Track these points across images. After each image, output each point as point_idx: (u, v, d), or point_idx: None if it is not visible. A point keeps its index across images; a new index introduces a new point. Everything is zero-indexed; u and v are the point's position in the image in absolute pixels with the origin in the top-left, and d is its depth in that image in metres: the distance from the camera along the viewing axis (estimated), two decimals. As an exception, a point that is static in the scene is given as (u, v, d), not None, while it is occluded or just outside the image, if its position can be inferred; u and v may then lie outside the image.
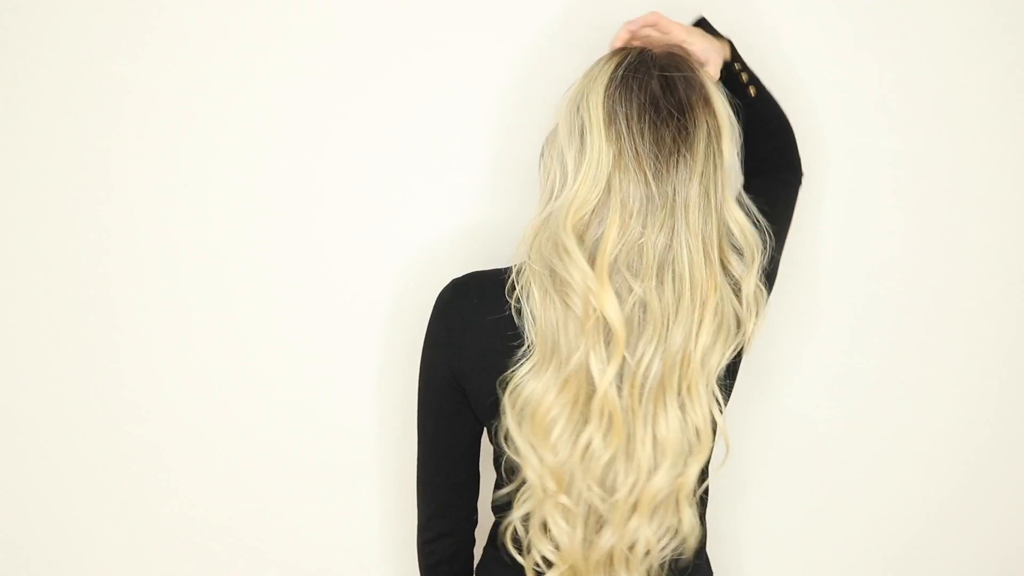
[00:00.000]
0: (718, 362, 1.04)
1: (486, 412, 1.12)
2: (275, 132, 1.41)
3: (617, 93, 1.01)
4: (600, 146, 1.00)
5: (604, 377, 1.01)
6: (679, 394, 1.03)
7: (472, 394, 1.12)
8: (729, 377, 1.13)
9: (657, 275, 1.00)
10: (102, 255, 1.44)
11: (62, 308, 1.46)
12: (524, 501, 1.09)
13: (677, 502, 1.07)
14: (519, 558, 1.11)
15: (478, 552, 1.28)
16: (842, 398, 1.53)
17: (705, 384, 1.04)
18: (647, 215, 0.99)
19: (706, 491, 1.20)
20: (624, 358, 1.01)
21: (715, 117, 1.02)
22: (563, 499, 1.05)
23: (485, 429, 1.16)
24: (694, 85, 1.03)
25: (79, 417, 1.49)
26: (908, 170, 1.46)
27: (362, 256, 1.44)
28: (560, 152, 1.05)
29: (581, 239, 1.00)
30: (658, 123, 0.99)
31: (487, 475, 1.21)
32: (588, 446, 1.03)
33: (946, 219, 1.48)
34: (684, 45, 1.13)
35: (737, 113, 1.07)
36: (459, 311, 1.10)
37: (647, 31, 1.14)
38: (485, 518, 1.25)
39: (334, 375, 1.48)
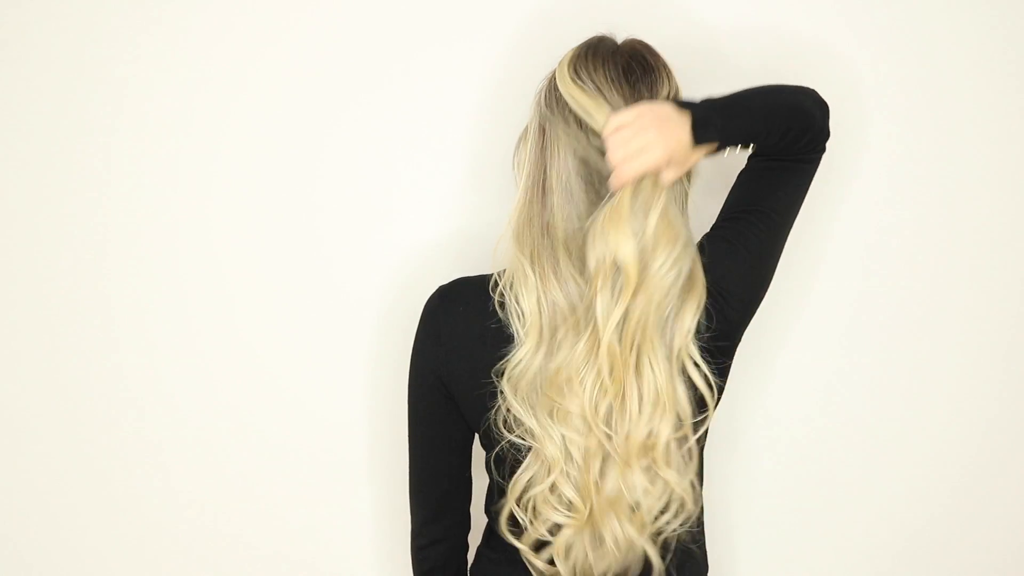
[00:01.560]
0: (688, 321, 1.05)
1: (477, 417, 1.13)
2: (269, 135, 1.41)
3: (582, 66, 1.06)
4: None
5: (610, 321, 1.02)
6: (656, 349, 1.04)
7: (462, 400, 1.12)
8: (723, 356, 1.12)
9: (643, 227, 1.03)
10: (100, 253, 1.45)
11: (60, 306, 1.46)
12: (527, 477, 1.09)
13: (655, 460, 1.07)
14: (516, 542, 1.11)
15: (471, 556, 1.28)
16: (838, 397, 1.52)
17: (669, 345, 1.05)
18: None
19: (701, 477, 1.21)
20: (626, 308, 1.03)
21: (674, 81, 1.09)
22: (577, 438, 1.06)
23: (477, 435, 1.17)
24: (654, 54, 1.10)
25: (76, 414, 1.50)
26: (905, 168, 1.45)
27: (356, 257, 1.45)
28: (543, 135, 1.08)
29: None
30: (631, 83, 1.05)
31: (480, 480, 1.22)
32: (595, 391, 1.04)
33: (943, 217, 1.46)
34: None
35: None
36: (446, 318, 1.11)
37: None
38: (479, 520, 1.26)
39: (329, 374, 1.49)
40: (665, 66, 1.10)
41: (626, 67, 1.06)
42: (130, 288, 1.46)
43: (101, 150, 1.42)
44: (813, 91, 1.16)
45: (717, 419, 1.22)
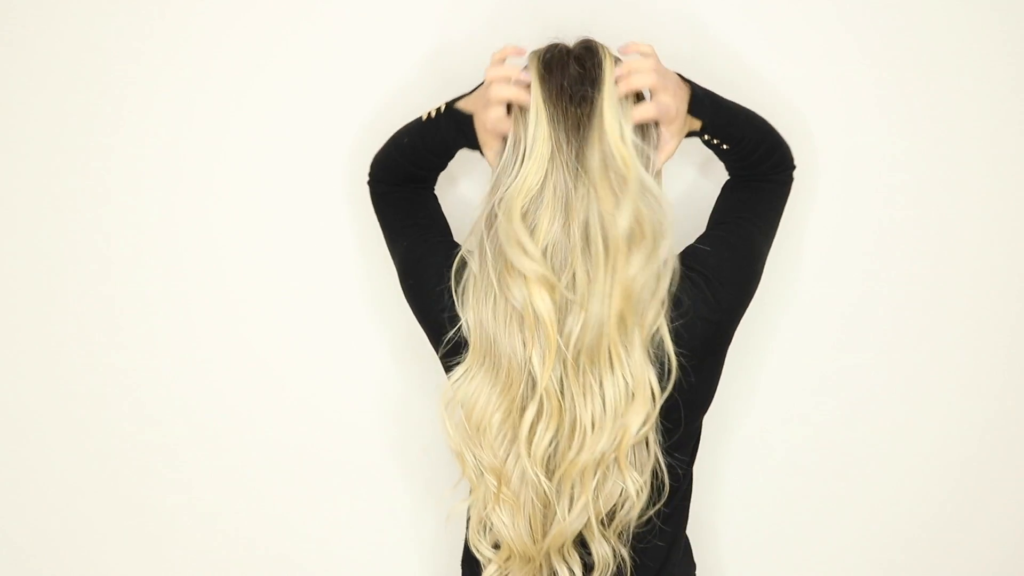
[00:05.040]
0: (650, 311, 1.08)
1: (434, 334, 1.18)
2: (273, 135, 1.42)
3: (544, 89, 1.08)
4: (542, 140, 1.06)
5: (544, 371, 1.06)
6: (610, 356, 1.07)
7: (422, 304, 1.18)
8: (717, 351, 1.16)
9: (582, 248, 1.05)
10: (104, 255, 1.46)
11: (65, 308, 1.48)
12: (472, 503, 1.17)
13: (619, 464, 1.11)
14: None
15: (459, 542, 1.31)
16: (833, 395, 1.53)
17: (639, 339, 1.07)
18: (573, 192, 1.06)
19: (690, 482, 1.25)
20: (557, 343, 1.07)
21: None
22: (505, 492, 1.12)
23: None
24: (596, 54, 1.10)
25: (83, 417, 1.51)
26: (901, 167, 1.45)
27: (359, 255, 1.45)
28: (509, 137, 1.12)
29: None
30: (574, 108, 1.07)
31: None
32: (531, 433, 1.09)
33: (940, 217, 1.47)
34: (652, 94, 1.13)
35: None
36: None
37: (635, 56, 1.14)
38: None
39: (337, 372, 1.50)
40: (605, 60, 1.09)
41: (576, 77, 1.08)
42: (136, 289, 1.47)
43: (104, 150, 1.43)
44: None
45: (709, 419, 1.23)
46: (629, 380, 1.07)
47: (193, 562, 1.57)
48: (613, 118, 1.06)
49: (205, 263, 1.47)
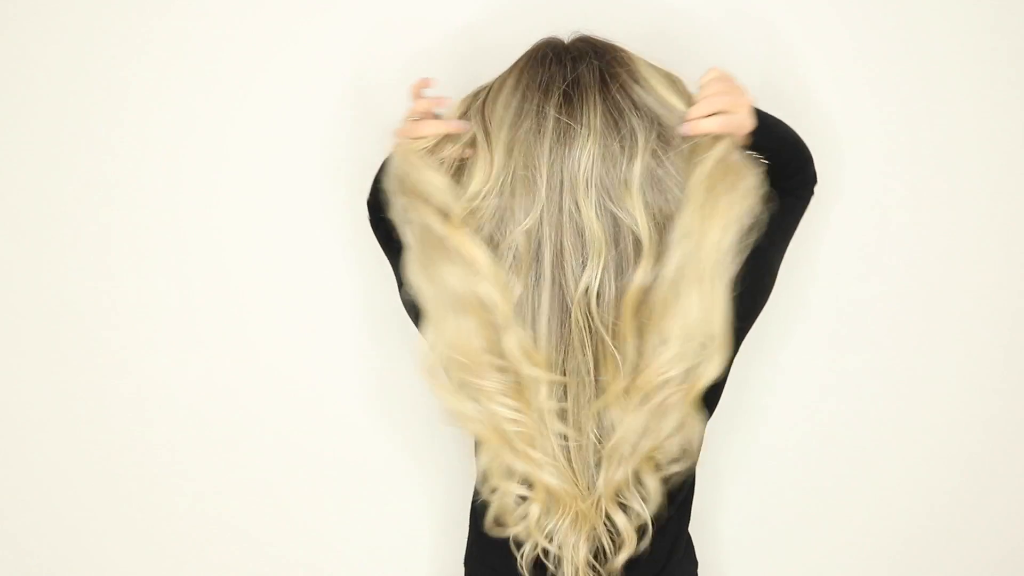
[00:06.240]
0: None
1: None
2: (279, 132, 1.44)
3: (524, 72, 1.06)
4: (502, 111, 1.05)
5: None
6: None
7: None
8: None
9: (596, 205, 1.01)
10: (106, 255, 1.48)
11: (66, 309, 1.49)
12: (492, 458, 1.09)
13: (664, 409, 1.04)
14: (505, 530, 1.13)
15: (463, 541, 1.31)
16: (836, 395, 1.53)
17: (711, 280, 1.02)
18: (536, 128, 1.02)
19: (692, 482, 1.24)
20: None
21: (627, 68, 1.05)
22: (527, 416, 1.05)
23: None
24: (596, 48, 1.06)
25: (84, 418, 1.53)
26: (902, 168, 1.45)
27: (365, 249, 1.43)
28: None
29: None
30: (557, 56, 1.05)
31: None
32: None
33: (940, 219, 1.47)
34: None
35: None
36: None
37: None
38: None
39: (341, 372, 1.51)
40: (609, 52, 1.06)
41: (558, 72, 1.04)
42: (138, 290, 1.49)
43: (105, 150, 1.45)
44: None
45: (712, 418, 1.23)
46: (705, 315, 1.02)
47: (196, 562, 1.58)
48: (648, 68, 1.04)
49: (208, 262, 1.48)
